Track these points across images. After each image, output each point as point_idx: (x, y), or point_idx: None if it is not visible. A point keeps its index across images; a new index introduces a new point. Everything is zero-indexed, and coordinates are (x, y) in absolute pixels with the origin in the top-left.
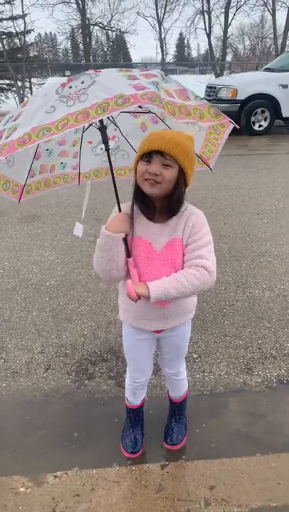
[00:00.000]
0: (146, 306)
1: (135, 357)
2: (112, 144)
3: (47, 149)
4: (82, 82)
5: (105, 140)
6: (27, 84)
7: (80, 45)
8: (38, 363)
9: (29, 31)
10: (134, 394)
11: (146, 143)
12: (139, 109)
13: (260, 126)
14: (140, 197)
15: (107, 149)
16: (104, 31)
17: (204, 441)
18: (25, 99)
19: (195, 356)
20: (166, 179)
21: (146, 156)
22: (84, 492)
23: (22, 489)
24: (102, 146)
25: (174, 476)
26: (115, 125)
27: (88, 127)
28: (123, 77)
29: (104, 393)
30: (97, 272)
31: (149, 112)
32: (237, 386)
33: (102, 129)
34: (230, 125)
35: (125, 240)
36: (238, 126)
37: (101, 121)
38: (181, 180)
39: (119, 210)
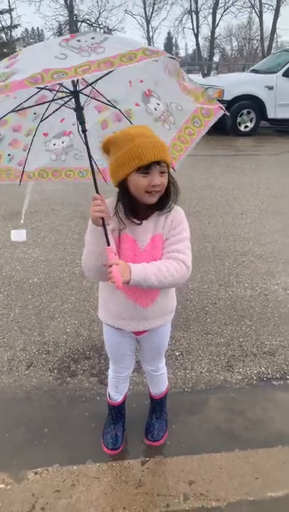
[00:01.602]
0: (127, 306)
1: (116, 353)
2: (66, 140)
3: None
4: (93, 38)
5: (82, 120)
6: None
7: None
8: (20, 361)
9: (16, 26)
10: (117, 388)
11: (142, 153)
12: (106, 102)
13: (245, 127)
14: (129, 206)
15: (84, 130)
16: (92, 28)
17: (185, 438)
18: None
19: (177, 354)
20: (164, 185)
21: (145, 168)
22: (64, 488)
23: (2, 485)
24: (56, 141)
25: (153, 471)
26: (77, 119)
27: (53, 112)
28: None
29: (86, 390)
30: (87, 269)
31: (114, 107)
32: (218, 383)
33: (79, 109)
34: (218, 112)
35: (104, 226)
36: (227, 113)
37: (77, 101)
38: (171, 179)
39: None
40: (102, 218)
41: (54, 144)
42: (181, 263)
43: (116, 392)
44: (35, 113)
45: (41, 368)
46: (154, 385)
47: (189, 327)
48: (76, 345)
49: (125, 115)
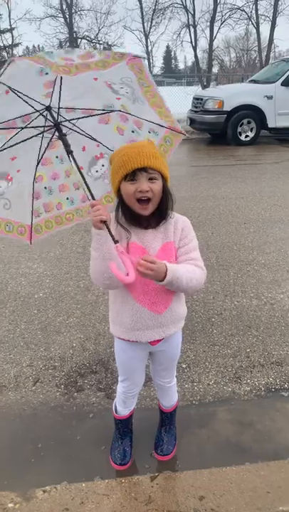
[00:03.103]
0: (142, 314)
1: (129, 369)
2: (105, 163)
3: (45, 187)
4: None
5: (66, 143)
6: None
7: None
8: (27, 377)
9: (17, 44)
10: (125, 403)
11: (126, 162)
12: (99, 112)
13: (246, 136)
14: (130, 215)
15: (70, 152)
16: (92, 44)
17: (194, 452)
18: None
19: (184, 366)
20: (156, 193)
21: (130, 175)
22: (73, 506)
23: (11, 505)
24: (96, 167)
25: (163, 487)
26: (94, 140)
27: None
28: None
29: (93, 405)
30: (95, 277)
31: (111, 111)
32: (226, 395)
33: (62, 137)
34: (180, 136)
35: (108, 227)
36: (185, 134)
37: (59, 130)
38: (166, 187)
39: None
40: (104, 221)
41: (96, 171)
42: (200, 269)
43: (124, 407)
44: (57, 157)
45: (48, 384)
46: (165, 397)
47: (196, 339)
48: (82, 360)
49: (124, 110)
